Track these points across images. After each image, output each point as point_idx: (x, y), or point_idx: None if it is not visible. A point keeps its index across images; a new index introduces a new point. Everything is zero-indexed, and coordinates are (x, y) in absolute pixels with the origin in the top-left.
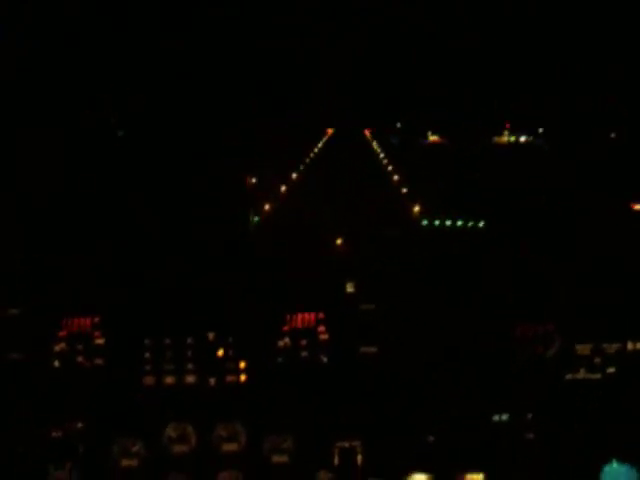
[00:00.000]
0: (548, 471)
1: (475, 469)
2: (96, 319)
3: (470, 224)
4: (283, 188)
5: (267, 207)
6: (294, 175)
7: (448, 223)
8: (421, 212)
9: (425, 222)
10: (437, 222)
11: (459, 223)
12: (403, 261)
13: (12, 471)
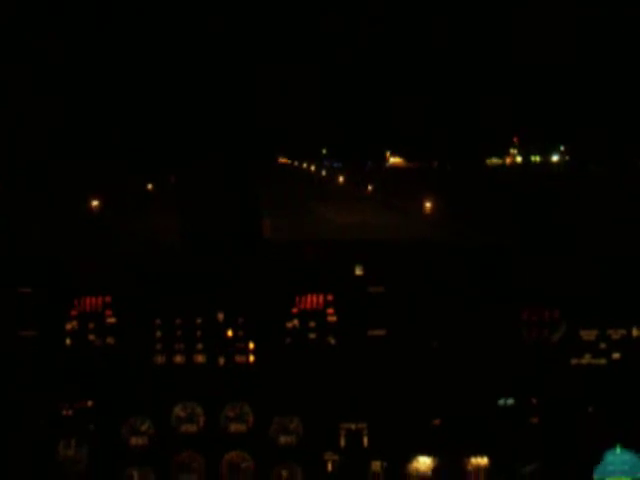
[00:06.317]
0: (552, 455)
1: (480, 453)
2: (107, 299)
3: None
4: None
5: None
6: None
7: None
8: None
9: None
10: None
11: None
12: (412, 245)
13: (22, 448)
